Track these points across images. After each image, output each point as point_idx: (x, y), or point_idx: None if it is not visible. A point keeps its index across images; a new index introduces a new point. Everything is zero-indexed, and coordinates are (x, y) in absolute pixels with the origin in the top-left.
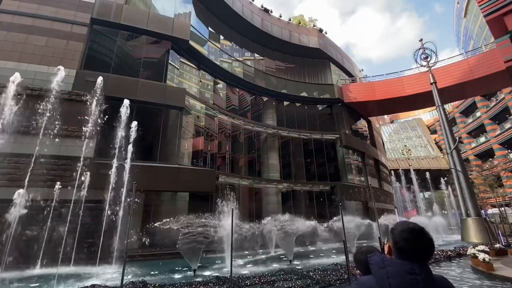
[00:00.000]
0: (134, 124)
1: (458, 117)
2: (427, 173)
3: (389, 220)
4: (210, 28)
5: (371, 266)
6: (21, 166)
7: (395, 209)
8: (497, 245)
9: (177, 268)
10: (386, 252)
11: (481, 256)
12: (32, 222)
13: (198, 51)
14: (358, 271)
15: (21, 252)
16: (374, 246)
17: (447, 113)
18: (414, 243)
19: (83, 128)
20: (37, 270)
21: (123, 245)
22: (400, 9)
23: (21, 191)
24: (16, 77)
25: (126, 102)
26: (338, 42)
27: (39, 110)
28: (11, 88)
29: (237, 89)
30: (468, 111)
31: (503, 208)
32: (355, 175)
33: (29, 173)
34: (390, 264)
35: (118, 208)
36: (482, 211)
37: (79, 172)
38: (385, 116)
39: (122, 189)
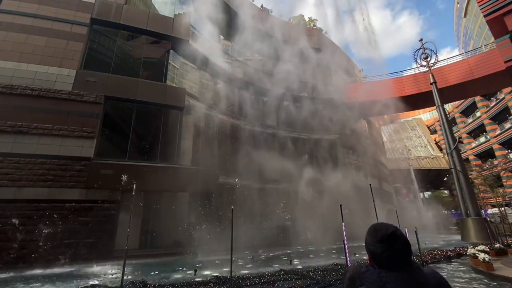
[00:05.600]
0: (134, 124)
1: (458, 117)
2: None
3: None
4: (210, 28)
5: (367, 286)
6: (21, 166)
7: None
8: (497, 245)
9: (177, 268)
10: (368, 261)
11: (481, 256)
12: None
13: (198, 51)
14: None
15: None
16: (360, 265)
17: (447, 113)
18: (386, 248)
19: (83, 128)
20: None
21: (123, 245)
22: (401, 6)
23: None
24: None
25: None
26: (337, 41)
27: (39, 110)
28: None
29: (237, 89)
30: (468, 111)
31: (503, 208)
32: (355, 175)
33: (29, 173)
34: (388, 280)
35: (118, 208)
36: (482, 211)
37: (78, 172)
38: (385, 116)
39: (121, 189)
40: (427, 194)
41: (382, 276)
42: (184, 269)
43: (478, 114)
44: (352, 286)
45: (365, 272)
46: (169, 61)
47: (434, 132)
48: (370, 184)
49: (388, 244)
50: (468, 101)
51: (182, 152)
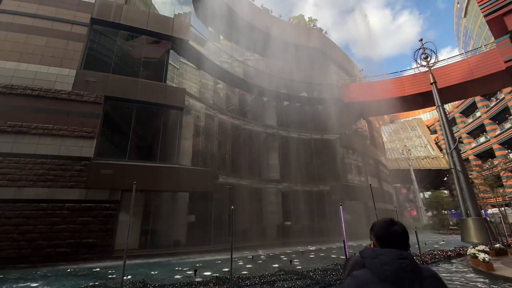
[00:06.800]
0: (134, 124)
1: (458, 117)
2: None
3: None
4: (210, 28)
5: (364, 260)
6: (21, 166)
7: (395, 209)
8: (497, 245)
9: (177, 268)
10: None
11: (481, 256)
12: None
13: (198, 51)
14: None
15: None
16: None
17: (447, 113)
18: (389, 229)
19: (83, 128)
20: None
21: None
22: (401, 6)
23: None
24: None
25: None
26: (337, 41)
27: (39, 110)
28: None
29: (237, 89)
30: (468, 111)
31: (503, 208)
32: (355, 175)
33: (29, 173)
34: (381, 253)
35: (118, 208)
36: (482, 211)
37: (78, 172)
38: (385, 116)
39: (121, 189)
40: (427, 194)
41: (376, 250)
42: (184, 269)
43: (478, 114)
44: (353, 270)
45: (363, 250)
46: (169, 61)
47: (434, 132)
48: (370, 184)
49: (390, 224)
50: (468, 101)
51: (182, 152)
